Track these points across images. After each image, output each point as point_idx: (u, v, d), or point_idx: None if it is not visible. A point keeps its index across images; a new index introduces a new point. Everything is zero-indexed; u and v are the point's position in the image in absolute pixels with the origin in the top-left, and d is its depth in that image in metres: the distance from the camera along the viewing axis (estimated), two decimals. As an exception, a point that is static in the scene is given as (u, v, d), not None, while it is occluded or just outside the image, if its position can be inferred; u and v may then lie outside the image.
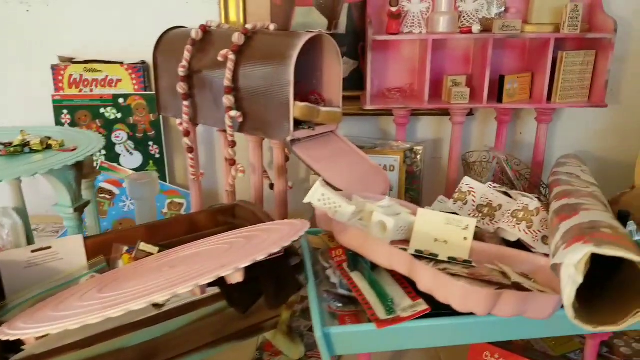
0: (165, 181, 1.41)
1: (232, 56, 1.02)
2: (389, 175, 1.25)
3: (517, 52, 1.33)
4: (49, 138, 0.95)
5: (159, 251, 0.87)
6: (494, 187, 0.91)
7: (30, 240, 1.08)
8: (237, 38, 1.03)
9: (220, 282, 0.64)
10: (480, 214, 0.91)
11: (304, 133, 1.04)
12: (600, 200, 0.75)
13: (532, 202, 0.81)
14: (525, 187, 1.15)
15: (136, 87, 1.33)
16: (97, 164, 1.38)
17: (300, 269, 0.76)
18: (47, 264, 0.79)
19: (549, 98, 1.26)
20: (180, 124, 1.16)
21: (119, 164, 1.39)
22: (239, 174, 1.12)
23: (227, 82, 1.03)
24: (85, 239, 0.83)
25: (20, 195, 1.05)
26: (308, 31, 1.01)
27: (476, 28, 1.19)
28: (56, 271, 0.79)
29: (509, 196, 0.91)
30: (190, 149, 1.19)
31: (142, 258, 0.85)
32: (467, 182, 0.95)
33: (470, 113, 1.41)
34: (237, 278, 0.55)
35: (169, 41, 1.18)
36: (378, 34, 1.21)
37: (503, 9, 1.27)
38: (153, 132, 1.37)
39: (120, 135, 1.37)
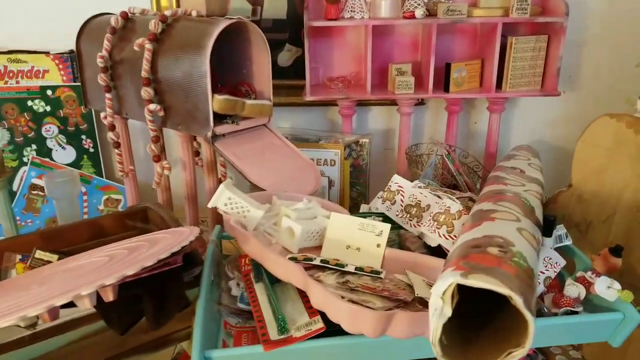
0: (102, 176, 1.34)
1: (149, 45, 0.94)
2: (329, 170, 1.19)
3: (468, 38, 1.25)
4: (-57, 137, 0.88)
5: (59, 259, 0.81)
6: (419, 186, 0.84)
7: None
8: (154, 26, 0.95)
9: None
10: (408, 215, 0.85)
11: (227, 128, 0.97)
12: (525, 203, 0.69)
13: (454, 205, 0.75)
14: (469, 184, 1.08)
15: (64, 78, 1.25)
16: (28, 159, 1.30)
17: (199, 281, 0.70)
18: None
19: (499, 86, 1.19)
20: (105, 117, 1.09)
21: (52, 159, 1.31)
22: (165, 171, 1.06)
23: (144, 73, 0.95)
24: (-29, 248, 0.76)
25: None
26: (227, 18, 0.93)
27: (419, 12, 1.11)
28: None
29: (439, 197, 0.85)
30: (117, 144, 1.12)
31: (38, 267, 0.79)
32: (396, 181, 0.88)
33: (422, 102, 1.34)
34: (86, 304, 0.48)
35: (92, 29, 1.11)
36: (316, 19, 1.13)
37: (452, -9, 1.19)
38: (86, 125, 1.29)
39: (50, 129, 1.29)
